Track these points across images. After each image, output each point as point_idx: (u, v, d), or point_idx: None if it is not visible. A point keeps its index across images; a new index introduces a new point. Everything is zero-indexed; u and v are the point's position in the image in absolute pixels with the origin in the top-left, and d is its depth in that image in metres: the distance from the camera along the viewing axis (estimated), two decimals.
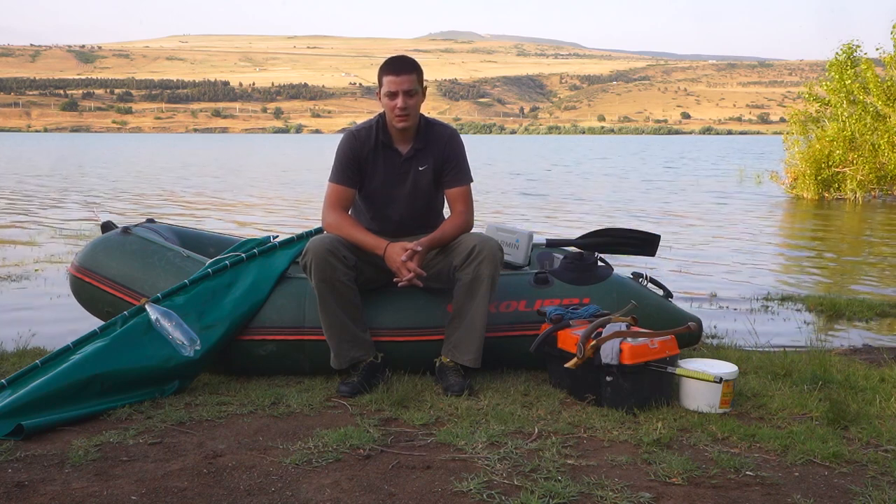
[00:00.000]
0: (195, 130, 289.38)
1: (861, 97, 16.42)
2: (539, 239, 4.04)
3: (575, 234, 4.23)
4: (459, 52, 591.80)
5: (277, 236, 3.82)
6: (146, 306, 3.20)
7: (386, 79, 3.27)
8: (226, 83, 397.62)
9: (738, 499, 2.23)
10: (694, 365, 3.02)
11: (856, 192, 16.04)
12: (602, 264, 3.67)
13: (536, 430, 2.73)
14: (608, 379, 2.94)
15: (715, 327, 4.92)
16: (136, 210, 13.22)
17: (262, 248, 3.58)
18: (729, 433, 2.70)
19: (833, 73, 16.61)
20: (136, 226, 3.81)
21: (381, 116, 3.40)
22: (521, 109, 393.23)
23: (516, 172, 27.30)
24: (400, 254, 3.14)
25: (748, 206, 14.74)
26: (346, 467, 2.42)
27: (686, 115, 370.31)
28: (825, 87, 16.88)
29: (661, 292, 3.70)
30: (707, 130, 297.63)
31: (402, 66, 3.28)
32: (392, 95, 3.26)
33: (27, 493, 2.22)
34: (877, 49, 16.93)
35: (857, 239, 10.78)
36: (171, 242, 3.72)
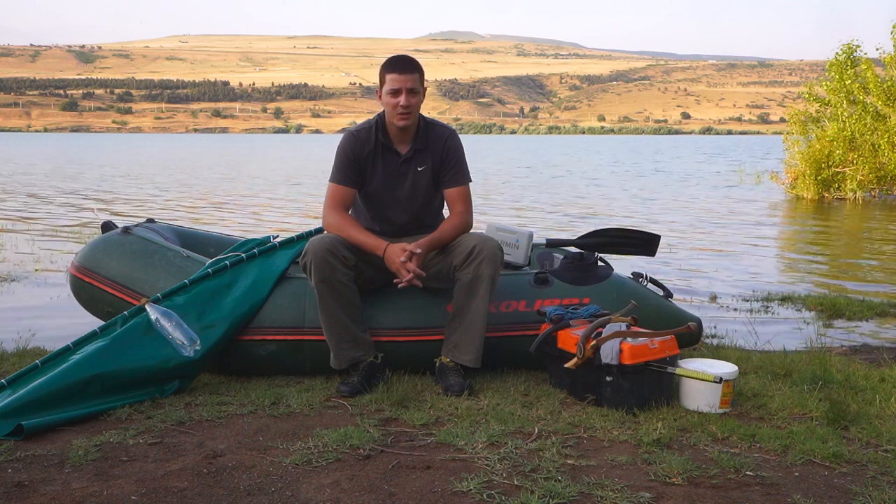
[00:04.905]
0: (195, 130, 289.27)
1: (861, 97, 16.41)
2: (539, 239, 4.04)
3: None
4: (459, 52, 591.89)
5: (277, 236, 3.82)
6: (146, 306, 3.20)
7: (389, 76, 3.27)
8: (226, 83, 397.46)
9: (738, 499, 2.23)
10: (694, 365, 3.02)
11: (856, 192, 16.03)
12: (602, 264, 3.67)
13: (536, 430, 2.73)
14: (608, 379, 2.94)
15: (715, 327, 4.92)
16: (137, 210, 13.22)
17: (262, 248, 3.59)
18: (729, 433, 2.70)
19: (833, 73, 16.60)
20: (136, 226, 3.81)
21: (381, 117, 3.40)
22: (521, 109, 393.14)
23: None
24: (400, 255, 3.14)
25: (748, 207, 14.74)
26: (346, 467, 2.42)
27: (686, 115, 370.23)
28: (825, 87, 16.87)
29: (661, 292, 3.70)
30: (707, 130, 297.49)
31: (406, 65, 3.29)
32: (395, 93, 3.25)
33: (27, 493, 2.22)
34: (877, 49, 16.95)
35: (857, 239, 10.78)
36: (172, 242, 3.72)
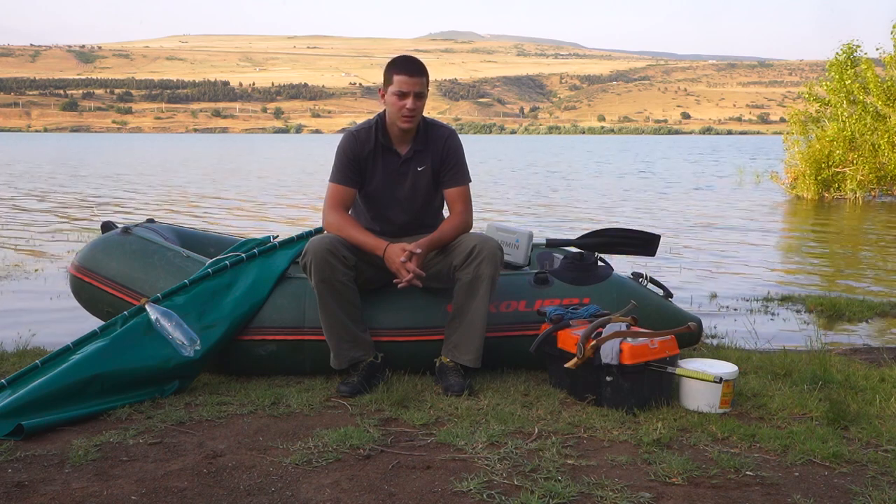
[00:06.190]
0: (195, 130, 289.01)
1: (861, 97, 16.42)
2: (539, 239, 4.05)
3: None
4: (459, 52, 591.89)
5: (277, 236, 3.82)
6: (146, 306, 3.20)
7: (397, 78, 3.25)
8: (226, 83, 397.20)
9: (738, 499, 2.23)
10: (694, 365, 3.02)
11: (856, 192, 16.04)
12: (602, 264, 3.67)
13: (536, 430, 2.73)
14: (608, 379, 2.94)
15: (715, 327, 4.92)
16: (137, 209, 13.22)
17: (262, 248, 3.58)
18: (729, 433, 2.70)
19: (833, 73, 16.61)
20: (136, 226, 3.80)
21: (381, 117, 3.39)
22: (521, 109, 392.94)
23: None
24: (400, 255, 3.14)
25: (748, 207, 14.74)
26: (346, 467, 2.42)
27: (686, 115, 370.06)
28: (825, 87, 16.88)
29: (661, 292, 3.70)
30: (707, 130, 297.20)
31: (415, 68, 3.27)
32: (402, 95, 3.24)
33: (27, 493, 2.22)
34: (877, 49, 16.96)
35: (857, 239, 10.78)
36: (172, 242, 3.72)
